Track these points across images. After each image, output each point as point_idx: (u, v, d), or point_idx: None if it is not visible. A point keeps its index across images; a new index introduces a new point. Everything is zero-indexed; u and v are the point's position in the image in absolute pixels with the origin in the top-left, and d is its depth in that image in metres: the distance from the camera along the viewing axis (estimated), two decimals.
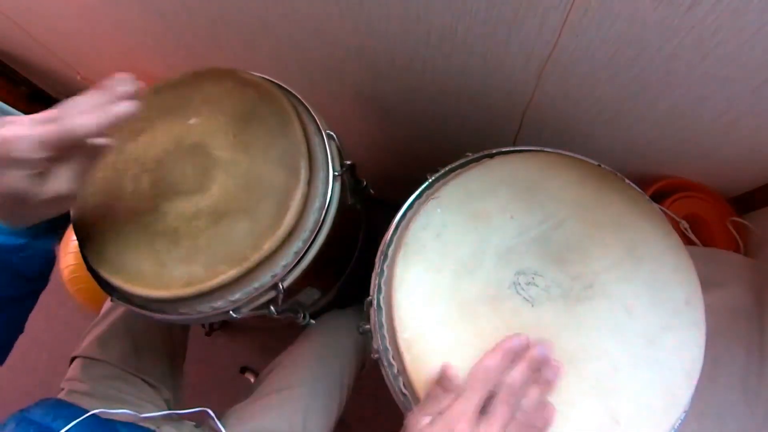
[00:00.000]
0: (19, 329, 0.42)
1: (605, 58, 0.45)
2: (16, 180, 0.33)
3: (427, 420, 0.33)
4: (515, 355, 0.36)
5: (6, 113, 0.57)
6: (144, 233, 0.44)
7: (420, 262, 0.41)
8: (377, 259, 0.44)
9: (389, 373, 0.40)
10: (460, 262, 0.42)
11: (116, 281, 0.43)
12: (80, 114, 0.35)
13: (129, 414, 0.47)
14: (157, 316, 0.45)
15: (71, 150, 0.36)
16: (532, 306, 0.40)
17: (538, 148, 0.48)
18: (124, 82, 0.38)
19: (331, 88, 0.67)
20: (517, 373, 0.35)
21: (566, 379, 0.37)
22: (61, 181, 0.36)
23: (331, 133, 0.48)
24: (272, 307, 0.47)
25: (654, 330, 0.39)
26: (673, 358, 0.38)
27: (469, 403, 0.33)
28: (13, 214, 0.36)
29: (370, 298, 0.43)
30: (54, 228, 0.41)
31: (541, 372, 0.36)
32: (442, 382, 0.35)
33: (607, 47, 0.44)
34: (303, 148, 0.45)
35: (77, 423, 0.42)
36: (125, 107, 0.37)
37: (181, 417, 0.57)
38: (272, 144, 0.45)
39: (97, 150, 0.38)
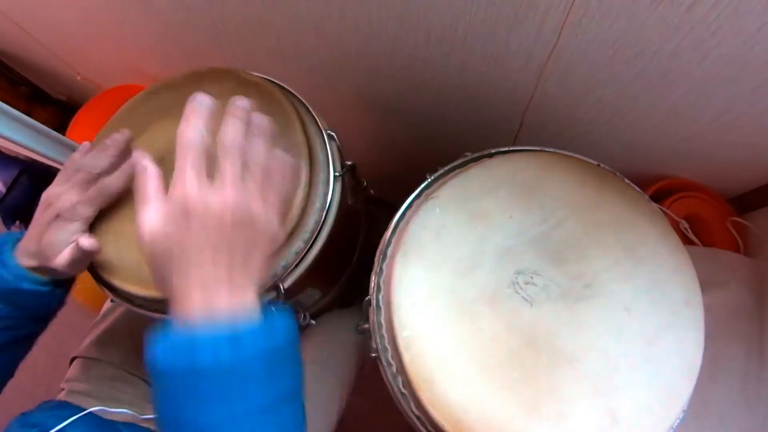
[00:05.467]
0: (11, 373, 0.43)
1: (605, 58, 0.45)
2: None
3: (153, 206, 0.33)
4: (211, 112, 0.34)
5: (6, 113, 0.57)
6: None
7: (419, 261, 0.41)
8: (376, 259, 0.44)
9: (388, 372, 0.40)
10: (459, 262, 0.42)
11: (116, 281, 0.43)
12: None
13: (129, 414, 0.47)
14: (157, 316, 0.45)
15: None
16: (531, 305, 0.40)
17: (538, 148, 0.48)
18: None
19: (331, 88, 0.67)
20: (228, 127, 0.33)
21: (566, 379, 0.37)
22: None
23: (332, 133, 0.48)
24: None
25: (653, 330, 0.39)
26: (673, 357, 0.38)
27: (181, 171, 0.32)
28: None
29: (369, 297, 0.43)
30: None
31: (252, 122, 0.34)
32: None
33: (607, 47, 0.44)
34: (304, 149, 0.44)
35: (81, 423, 0.42)
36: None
37: None
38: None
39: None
